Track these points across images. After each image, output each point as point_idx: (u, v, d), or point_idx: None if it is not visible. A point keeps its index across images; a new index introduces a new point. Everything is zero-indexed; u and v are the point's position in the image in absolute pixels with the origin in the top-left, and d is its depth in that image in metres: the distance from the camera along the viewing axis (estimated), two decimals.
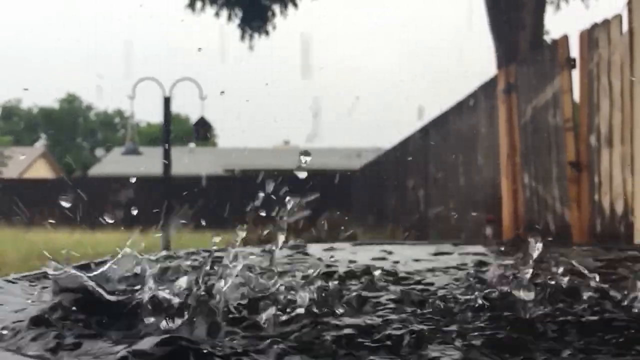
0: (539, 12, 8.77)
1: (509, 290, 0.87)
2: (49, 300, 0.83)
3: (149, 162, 20.86)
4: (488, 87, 7.78)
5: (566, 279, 0.93)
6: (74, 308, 0.79)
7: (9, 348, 0.70)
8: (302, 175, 1.00)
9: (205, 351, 0.63)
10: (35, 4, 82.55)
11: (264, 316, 0.78)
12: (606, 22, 5.00)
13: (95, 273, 0.87)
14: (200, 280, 0.86)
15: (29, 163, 37.14)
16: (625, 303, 0.87)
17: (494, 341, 0.71)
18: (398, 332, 0.72)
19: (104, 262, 0.92)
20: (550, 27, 18.25)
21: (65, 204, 1.13)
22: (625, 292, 0.89)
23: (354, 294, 0.92)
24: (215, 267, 0.90)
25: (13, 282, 1.08)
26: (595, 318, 0.80)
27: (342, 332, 0.72)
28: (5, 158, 29.93)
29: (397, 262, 1.36)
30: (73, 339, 0.71)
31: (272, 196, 1.06)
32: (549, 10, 11.20)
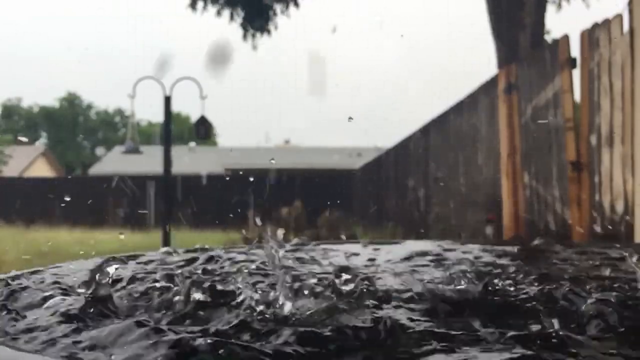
0: (539, 12, 8.77)
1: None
2: None
3: (149, 161, 20.89)
4: (489, 87, 7.78)
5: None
6: None
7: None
8: None
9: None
10: (36, 3, 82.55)
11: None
12: (607, 22, 5.00)
13: None
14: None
15: (30, 162, 37.14)
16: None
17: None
18: None
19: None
20: (551, 26, 18.27)
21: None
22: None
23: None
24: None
25: None
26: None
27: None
28: (5, 157, 29.94)
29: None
30: None
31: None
32: (550, 9, 11.20)
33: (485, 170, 7.94)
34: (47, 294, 0.91)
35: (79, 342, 0.68)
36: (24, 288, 0.95)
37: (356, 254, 1.45)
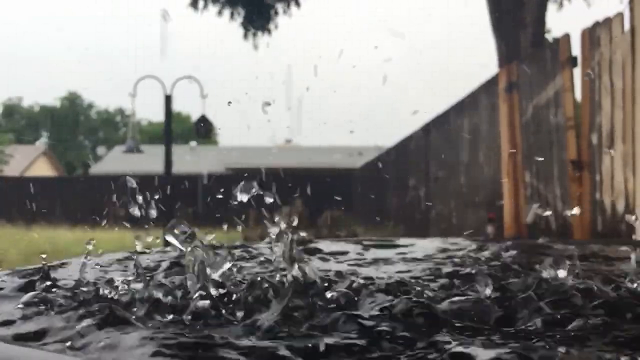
0: (540, 11, 8.77)
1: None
2: None
3: (150, 160, 20.89)
4: (489, 86, 7.77)
5: None
6: None
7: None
8: None
9: None
10: (36, 3, 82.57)
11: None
12: (608, 21, 4.99)
13: None
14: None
15: (30, 161, 37.15)
16: None
17: None
18: None
19: None
20: (552, 25, 18.26)
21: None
22: None
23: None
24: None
25: None
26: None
27: None
28: (6, 156, 29.96)
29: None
30: None
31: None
32: (551, 8, 11.20)
33: (487, 168, 7.94)
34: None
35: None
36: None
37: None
